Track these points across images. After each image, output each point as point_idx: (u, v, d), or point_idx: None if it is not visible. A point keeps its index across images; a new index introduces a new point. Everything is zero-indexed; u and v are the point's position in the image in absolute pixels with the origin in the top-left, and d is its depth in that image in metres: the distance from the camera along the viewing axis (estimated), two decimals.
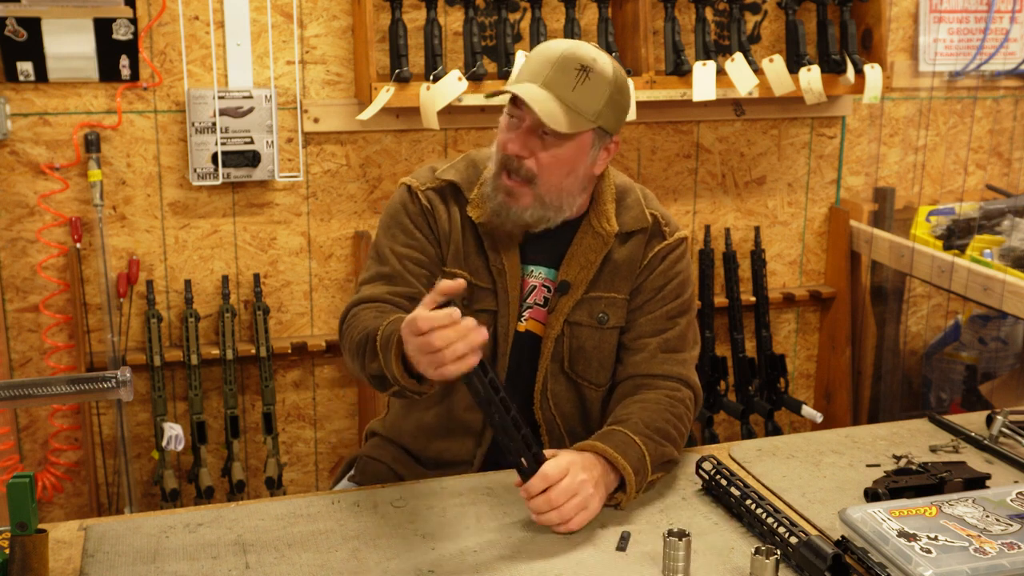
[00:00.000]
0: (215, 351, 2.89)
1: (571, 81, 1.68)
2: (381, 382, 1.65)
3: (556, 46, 1.72)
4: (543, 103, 1.67)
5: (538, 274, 1.86)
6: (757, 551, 1.42)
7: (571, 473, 1.57)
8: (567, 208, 1.80)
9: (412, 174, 1.92)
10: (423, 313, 1.45)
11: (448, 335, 1.43)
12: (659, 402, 1.77)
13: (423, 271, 1.83)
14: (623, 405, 1.79)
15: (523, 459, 1.55)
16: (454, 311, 1.44)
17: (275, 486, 2.95)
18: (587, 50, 1.72)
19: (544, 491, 1.55)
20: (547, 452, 1.59)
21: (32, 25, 2.61)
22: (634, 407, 1.76)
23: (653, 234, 1.89)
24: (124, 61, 2.70)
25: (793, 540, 1.47)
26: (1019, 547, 1.44)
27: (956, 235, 3.20)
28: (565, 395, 1.89)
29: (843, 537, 1.51)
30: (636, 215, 1.88)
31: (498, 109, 1.82)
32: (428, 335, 1.44)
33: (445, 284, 1.47)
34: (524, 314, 1.87)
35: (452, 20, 2.92)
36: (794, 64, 3.06)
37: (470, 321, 1.44)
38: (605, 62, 1.72)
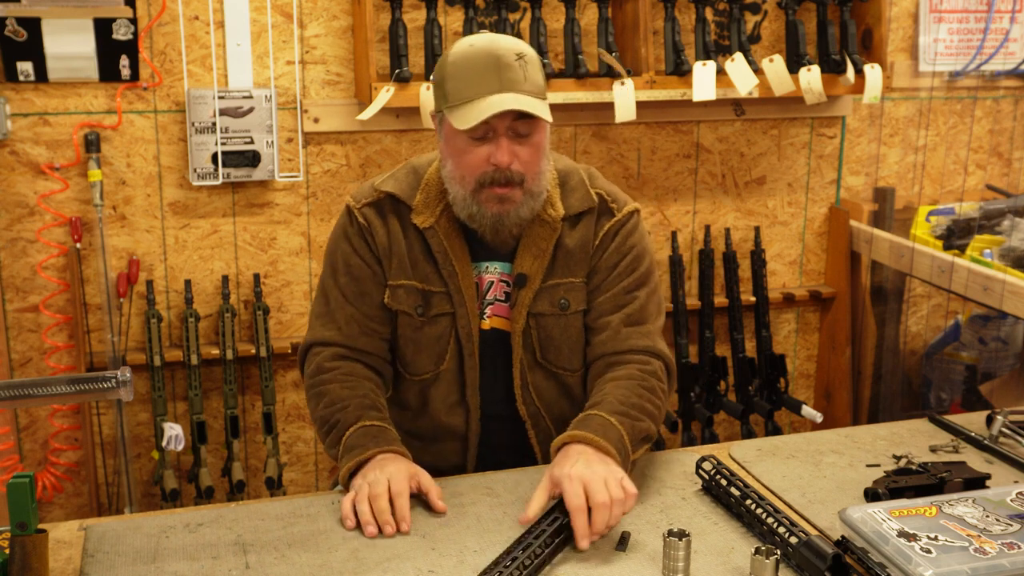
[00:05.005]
0: (215, 351, 2.89)
1: (519, 73, 1.69)
2: (335, 459, 1.77)
3: (479, 50, 1.70)
4: (526, 103, 1.67)
5: (493, 269, 1.86)
6: (757, 551, 1.42)
7: (585, 481, 1.53)
8: (545, 188, 1.80)
9: (353, 192, 1.93)
10: (375, 509, 1.59)
11: (370, 523, 1.58)
12: (631, 377, 1.78)
13: (364, 298, 1.86)
14: (597, 387, 1.79)
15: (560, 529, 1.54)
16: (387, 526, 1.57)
17: (275, 486, 2.95)
18: (504, 39, 1.72)
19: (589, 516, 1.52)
20: (545, 490, 1.57)
21: (32, 25, 2.61)
22: (608, 387, 1.76)
23: (601, 212, 1.88)
24: (124, 61, 2.70)
25: (793, 540, 1.47)
26: (1019, 547, 1.44)
27: (956, 235, 3.20)
28: (545, 385, 1.89)
29: (843, 537, 1.51)
30: (581, 196, 1.87)
31: None
32: (362, 521, 1.58)
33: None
34: (486, 311, 1.87)
35: (452, 20, 2.92)
36: (794, 64, 3.06)
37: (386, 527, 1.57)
38: (520, 42, 1.74)
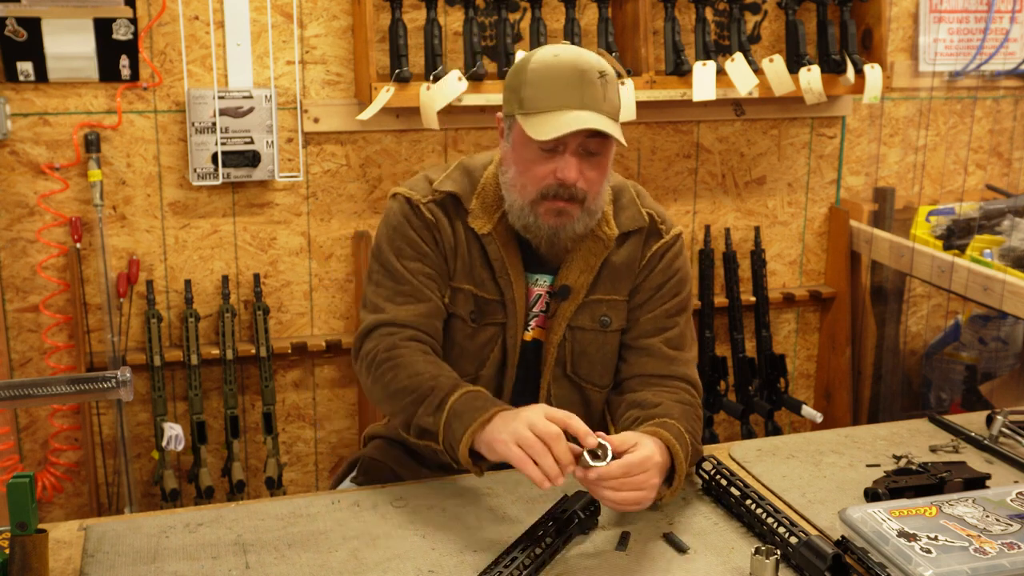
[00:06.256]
0: (215, 351, 2.89)
1: (599, 92, 1.66)
2: (420, 434, 1.67)
3: (564, 63, 1.67)
4: (605, 124, 1.65)
5: (543, 282, 1.85)
6: (757, 551, 1.42)
7: (647, 463, 1.53)
8: (602, 208, 1.79)
9: (407, 185, 1.87)
10: (552, 428, 1.49)
11: (548, 462, 1.48)
12: (684, 402, 1.77)
13: (435, 284, 1.82)
14: (645, 400, 1.77)
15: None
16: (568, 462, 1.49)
17: (275, 486, 2.95)
18: (588, 55, 1.70)
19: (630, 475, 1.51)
20: (615, 439, 1.54)
21: (32, 25, 2.61)
22: (668, 404, 1.74)
23: (651, 233, 1.88)
24: (124, 61, 2.70)
25: (793, 540, 1.47)
26: (1019, 547, 1.44)
27: (956, 235, 3.20)
28: (568, 398, 1.89)
29: (843, 537, 1.51)
30: (632, 215, 1.86)
31: (499, 108, 1.81)
32: (530, 457, 1.49)
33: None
34: (531, 323, 1.86)
35: (452, 20, 2.92)
36: (794, 64, 3.06)
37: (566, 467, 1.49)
38: (601, 59, 1.72)
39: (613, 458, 1.51)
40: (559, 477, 1.48)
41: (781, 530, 1.50)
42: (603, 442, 1.51)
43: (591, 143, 1.69)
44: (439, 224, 1.82)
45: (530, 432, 1.49)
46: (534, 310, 1.86)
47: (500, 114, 1.80)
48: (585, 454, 1.50)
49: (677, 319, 1.87)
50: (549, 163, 1.70)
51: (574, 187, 1.70)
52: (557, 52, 1.70)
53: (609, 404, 1.90)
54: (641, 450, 1.53)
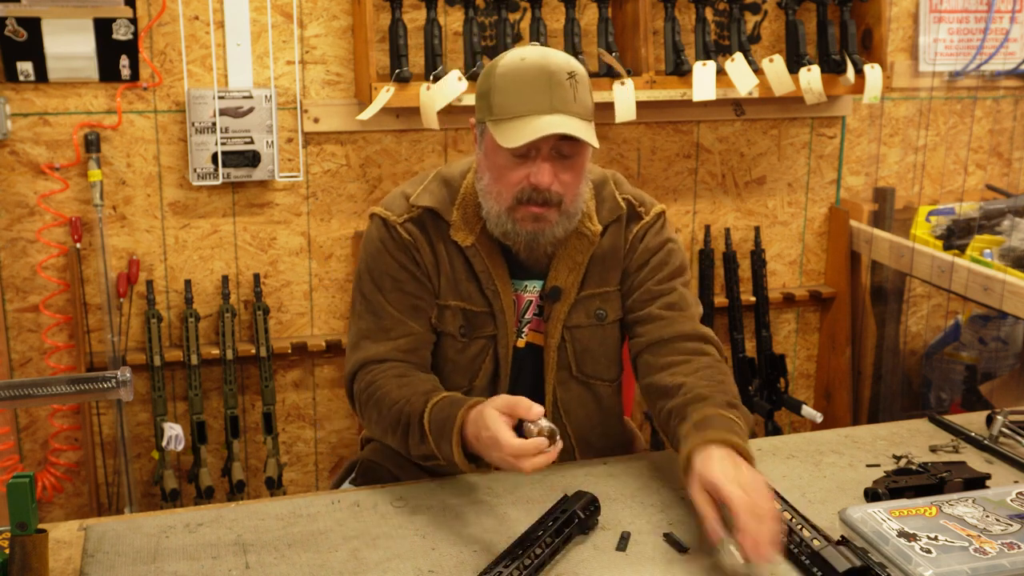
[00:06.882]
0: (215, 351, 2.89)
1: (569, 93, 1.65)
2: (424, 459, 1.68)
3: (531, 65, 1.65)
4: (575, 128, 1.63)
5: (532, 288, 1.85)
6: None
7: (743, 486, 1.43)
8: (580, 208, 1.77)
9: (383, 203, 1.86)
10: (513, 443, 1.46)
11: (536, 463, 1.46)
12: (704, 367, 1.73)
13: (419, 312, 1.81)
14: (665, 380, 1.72)
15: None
16: (541, 442, 1.46)
17: (275, 486, 2.96)
18: (556, 55, 1.68)
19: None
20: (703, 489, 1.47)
21: (32, 25, 2.61)
22: (690, 380, 1.69)
23: (630, 218, 1.87)
24: (124, 61, 2.70)
25: (816, 542, 1.45)
26: (1019, 547, 1.44)
27: (956, 235, 3.20)
28: (577, 401, 1.88)
29: (843, 537, 1.50)
30: (611, 206, 1.86)
31: None
32: (516, 460, 1.46)
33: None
34: (524, 330, 1.86)
35: (452, 20, 2.92)
36: (794, 64, 3.06)
37: (555, 447, 1.45)
38: (571, 59, 1.70)
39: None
40: (550, 459, 1.46)
41: (806, 533, 1.47)
42: (542, 423, 1.48)
43: (564, 146, 1.67)
44: (417, 243, 1.80)
45: (501, 455, 1.48)
46: (526, 316, 1.85)
47: (473, 120, 1.78)
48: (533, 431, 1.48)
49: (672, 283, 1.84)
50: (522, 168, 1.68)
51: (549, 191, 1.68)
52: (524, 55, 1.67)
53: (644, 397, 1.84)
54: (731, 490, 1.42)
